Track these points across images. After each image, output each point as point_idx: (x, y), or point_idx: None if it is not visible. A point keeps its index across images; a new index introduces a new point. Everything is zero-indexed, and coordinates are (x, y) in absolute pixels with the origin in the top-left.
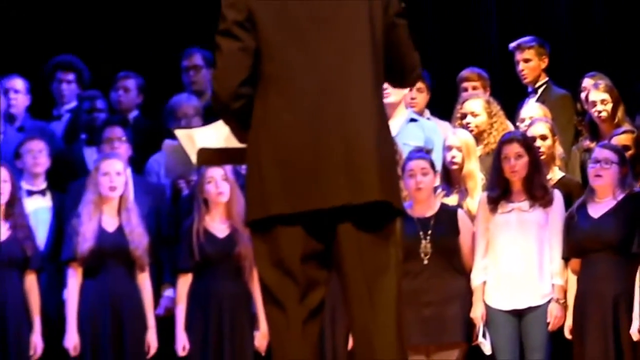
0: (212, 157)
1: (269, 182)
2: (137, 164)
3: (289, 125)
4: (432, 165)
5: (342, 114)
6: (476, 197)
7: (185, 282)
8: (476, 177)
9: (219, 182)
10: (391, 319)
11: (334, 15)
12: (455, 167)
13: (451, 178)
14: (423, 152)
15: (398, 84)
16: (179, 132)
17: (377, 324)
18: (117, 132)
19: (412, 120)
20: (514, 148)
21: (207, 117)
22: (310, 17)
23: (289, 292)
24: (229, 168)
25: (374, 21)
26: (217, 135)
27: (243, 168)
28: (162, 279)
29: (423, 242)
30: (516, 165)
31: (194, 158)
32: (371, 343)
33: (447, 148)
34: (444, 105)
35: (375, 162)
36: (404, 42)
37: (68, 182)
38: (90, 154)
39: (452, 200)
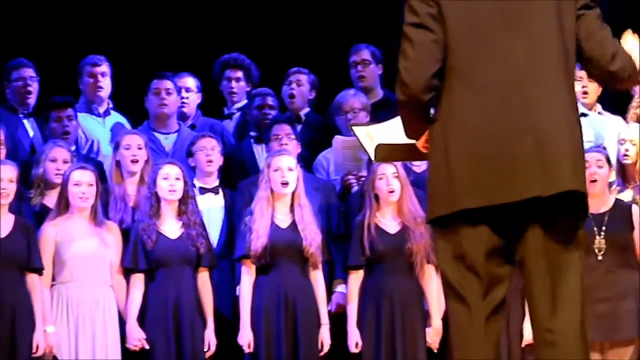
0: (390, 153)
1: (459, 176)
2: (308, 160)
3: (477, 119)
4: (608, 160)
5: (529, 106)
6: None
7: (356, 278)
8: None
9: (390, 180)
10: (576, 317)
11: (520, 11)
12: (628, 161)
13: (626, 173)
14: (600, 146)
15: (599, 75)
16: (356, 128)
17: (562, 321)
18: (285, 129)
19: (582, 115)
20: None
21: (375, 113)
22: (497, 12)
23: (472, 288)
24: (400, 165)
25: (563, 15)
26: (396, 131)
27: (414, 164)
28: (334, 276)
29: (597, 238)
30: None
31: (372, 154)
32: (555, 340)
33: (621, 141)
34: (616, 101)
35: (566, 153)
36: (595, 32)
37: (238, 179)
38: (259, 152)
39: (626, 195)
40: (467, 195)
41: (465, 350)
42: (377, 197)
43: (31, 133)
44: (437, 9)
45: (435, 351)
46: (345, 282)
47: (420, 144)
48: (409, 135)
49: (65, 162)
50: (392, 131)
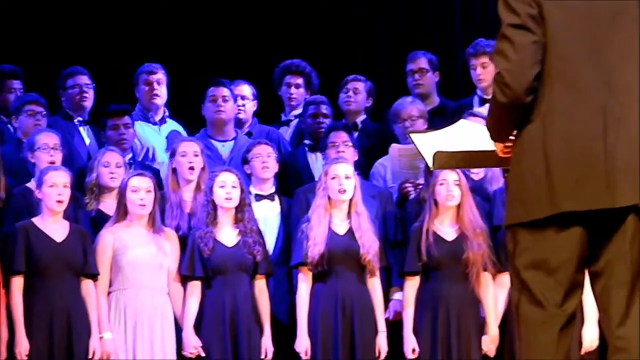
0: (448, 160)
1: (558, 178)
2: (364, 168)
3: (578, 122)
4: None
5: (626, 114)
6: None
7: (412, 285)
8: None
9: (451, 186)
10: None
11: (620, 13)
12: None
13: None
14: None
15: None
16: (414, 136)
17: (633, 328)
18: (342, 136)
19: None
20: None
21: (431, 120)
22: (598, 15)
23: (552, 294)
24: (462, 173)
25: None
26: (454, 138)
27: (472, 172)
28: (391, 283)
29: None
30: None
31: (430, 161)
32: (626, 347)
33: None
34: None
35: None
36: None
37: (294, 187)
38: (313, 160)
39: None
40: (567, 198)
41: (536, 353)
42: (436, 203)
43: (87, 141)
44: (537, 10)
45: (491, 358)
46: (402, 289)
47: (500, 147)
48: (494, 138)
49: (118, 166)
50: (450, 138)
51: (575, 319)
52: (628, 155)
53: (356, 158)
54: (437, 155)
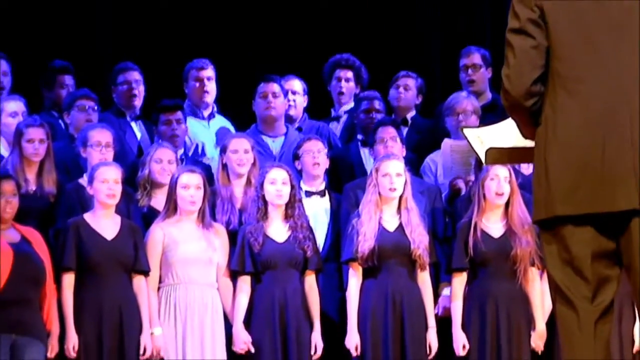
0: (501, 156)
1: (555, 182)
2: (414, 163)
3: (578, 127)
4: None
5: (631, 118)
6: None
7: (460, 281)
8: None
9: (502, 182)
10: None
11: (626, 18)
12: None
13: None
14: None
15: None
16: (467, 131)
17: None
18: (390, 132)
19: None
20: None
21: (483, 116)
22: (602, 18)
23: (580, 292)
24: (512, 170)
25: None
26: (506, 134)
27: (522, 167)
28: (439, 279)
29: None
30: None
31: (482, 157)
32: None
33: None
34: None
35: None
36: None
37: (345, 182)
38: (366, 155)
39: None
40: (562, 202)
41: (576, 354)
42: (485, 198)
43: (139, 135)
44: (538, 14)
45: (539, 354)
46: (450, 284)
47: None
48: (525, 136)
49: (170, 162)
50: (503, 134)
51: (613, 308)
52: (630, 160)
53: (404, 153)
54: (490, 151)
